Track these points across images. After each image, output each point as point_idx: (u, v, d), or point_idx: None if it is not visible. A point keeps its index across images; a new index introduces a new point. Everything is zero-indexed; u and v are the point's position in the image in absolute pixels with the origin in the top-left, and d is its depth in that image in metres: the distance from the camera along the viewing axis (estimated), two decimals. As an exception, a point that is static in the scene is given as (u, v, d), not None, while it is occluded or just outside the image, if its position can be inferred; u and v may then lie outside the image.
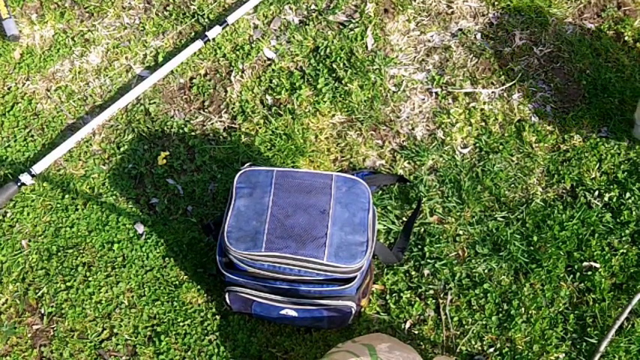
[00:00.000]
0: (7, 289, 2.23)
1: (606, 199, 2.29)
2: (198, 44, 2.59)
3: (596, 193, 2.30)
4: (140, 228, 2.30)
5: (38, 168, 2.36)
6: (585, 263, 2.20)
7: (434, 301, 2.17)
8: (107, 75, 2.60)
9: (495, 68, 2.55)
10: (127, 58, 2.64)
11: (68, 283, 2.23)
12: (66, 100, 2.56)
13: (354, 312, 2.00)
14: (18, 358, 2.13)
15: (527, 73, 2.54)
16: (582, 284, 2.18)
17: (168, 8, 2.73)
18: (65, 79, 2.60)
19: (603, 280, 2.16)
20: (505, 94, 2.49)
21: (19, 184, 2.33)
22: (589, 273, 2.18)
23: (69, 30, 2.71)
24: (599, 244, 2.22)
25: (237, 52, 2.61)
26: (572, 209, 2.27)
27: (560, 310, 2.15)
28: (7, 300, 2.22)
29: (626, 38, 2.58)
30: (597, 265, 2.19)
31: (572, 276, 2.19)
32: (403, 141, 2.42)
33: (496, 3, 2.67)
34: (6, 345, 2.15)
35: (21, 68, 2.62)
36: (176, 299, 2.19)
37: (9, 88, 2.59)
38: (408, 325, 2.14)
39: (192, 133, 2.46)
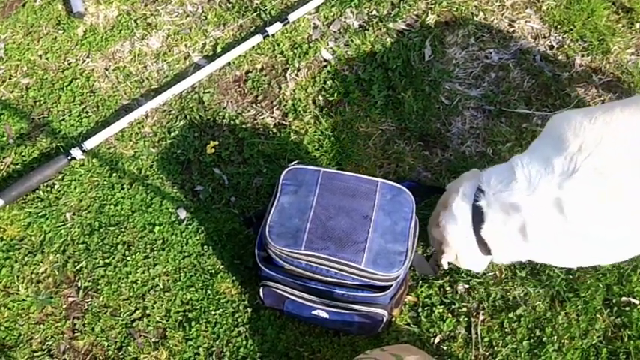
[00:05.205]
0: (48, 258, 2.27)
1: (652, 235, 2.25)
2: (258, 39, 2.61)
3: (643, 228, 2.27)
4: (182, 213, 2.33)
5: (89, 144, 2.40)
6: (624, 298, 2.16)
7: (466, 318, 2.15)
8: (165, 60, 2.64)
9: (551, 92, 2.52)
10: (187, 46, 2.67)
11: (107, 260, 2.26)
12: (123, 80, 2.60)
13: (385, 320, 1.99)
14: (51, 327, 2.17)
15: (583, 99, 2.50)
16: (619, 319, 2.14)
17: (231, 0, 2.76)
18: (124, 60, 2.65)
19: (641, 316, 2.13)
20: (559, 119, 2.47)
21: (69, 157, 2.38)
22: (627, 308, 2.15)
23: (133, 12, 2.75)
24: (641, 280, 2.19)
25: (295, 51, 2.63)
26: (616, 242, 2.24)
27: (594, 342, 2.11)
28: (46, 269, 2.26)
29: (689, 75, 2.54)
30: (636, 302, 2.15)
31: (609, 309, 2.16)
32: (451, 155, 2.41)
33: (559, 26, 2.65)
34: (41, 313, 2.19)
35: (82, 45, 2.68)
36: (210, 287, 2.21)
37: (69, 64, 2.64)
38: (437, 339, 2.13)
39: (243, 126, 2.49)
